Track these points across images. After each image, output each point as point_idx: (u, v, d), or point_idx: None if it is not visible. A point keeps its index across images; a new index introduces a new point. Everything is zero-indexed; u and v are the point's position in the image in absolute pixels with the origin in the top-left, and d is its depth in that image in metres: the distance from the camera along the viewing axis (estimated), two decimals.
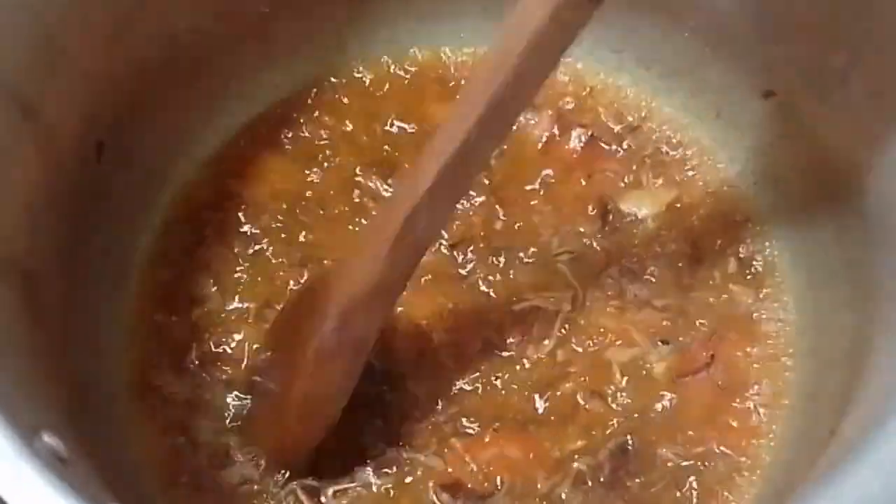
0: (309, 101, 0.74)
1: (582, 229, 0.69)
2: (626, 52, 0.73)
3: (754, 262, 0.68)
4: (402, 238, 0.50)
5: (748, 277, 0.68)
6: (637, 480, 0.61)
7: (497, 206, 0.70)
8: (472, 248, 0.68)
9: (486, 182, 0.70)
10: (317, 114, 0.74)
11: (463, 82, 0.73)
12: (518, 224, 0.69)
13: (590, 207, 0.70)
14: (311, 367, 0.55)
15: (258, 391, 0.62)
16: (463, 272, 0.67)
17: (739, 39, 0.66)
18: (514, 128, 0.68)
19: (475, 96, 0.47)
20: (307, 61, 0.74)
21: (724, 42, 0.68)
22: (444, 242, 0.68)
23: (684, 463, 0.62)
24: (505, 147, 0.71)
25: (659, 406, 0.63)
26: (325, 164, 0.72)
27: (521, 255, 0.68)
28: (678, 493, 0.61)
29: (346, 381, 0.56)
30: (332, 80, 0.75)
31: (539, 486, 0.61)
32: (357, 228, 0.69)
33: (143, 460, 0.62)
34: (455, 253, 0.68)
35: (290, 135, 0.73)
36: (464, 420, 0.63)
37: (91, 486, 0.46)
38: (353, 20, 0.74)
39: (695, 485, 0.61)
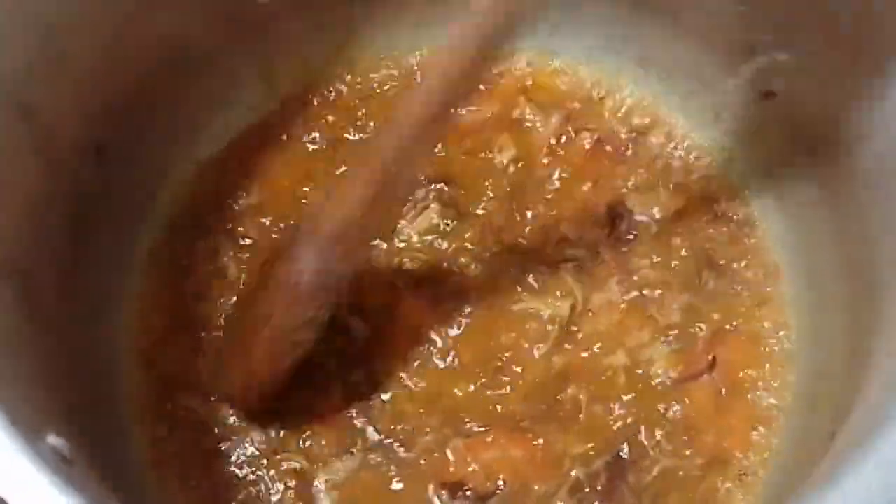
0: (308, 103, 0.74)
1: (590, 235, 0.69)
2: (626, 54, 0.73)
3: (755, 265, 0.68)
4: (375, 180, 0.54)
5: (749, 280, 0.68)
6: (635, 488, 0.61)
7: (503, 211, 0.70)
8: (475, 250, 0.68)
9: (492, 187, 0.71)
10: (316, 115, 0.74)
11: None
12: (523, 228, 0.69)
13: (598, 212, 0.70)
14: (284, 301, 0.58)
15: (229, 331, 0.65)
16: (466, 275, 0.67)
17: (738, 41, 0.66)
18: (522, 131, 0.72)
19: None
20: (307, 63, 0.74)
21: (723, 44, 0.68)
22: (446, 245, 0.68)
23: (684, 469, 0.62)
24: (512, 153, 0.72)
25: (660, 411, 0.63)
26: (325, 165, 0.72)
27: (526, 259, 0.68)
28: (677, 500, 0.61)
29: (318, 314, 0.59)
30: (331, 81, 0.75)
31: (536, 487, 0.61)
32: None
33: (146, 460, 0.62)
34: (458, 256, 0.68)
35: (289, 135, 0.73)
36: (464, 422, 0.63)
37: (95, 486, 0.46)
38: (353, 23, 0.74)
39: (694, 491, 0.61)
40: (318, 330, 0.60)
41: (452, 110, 0.54)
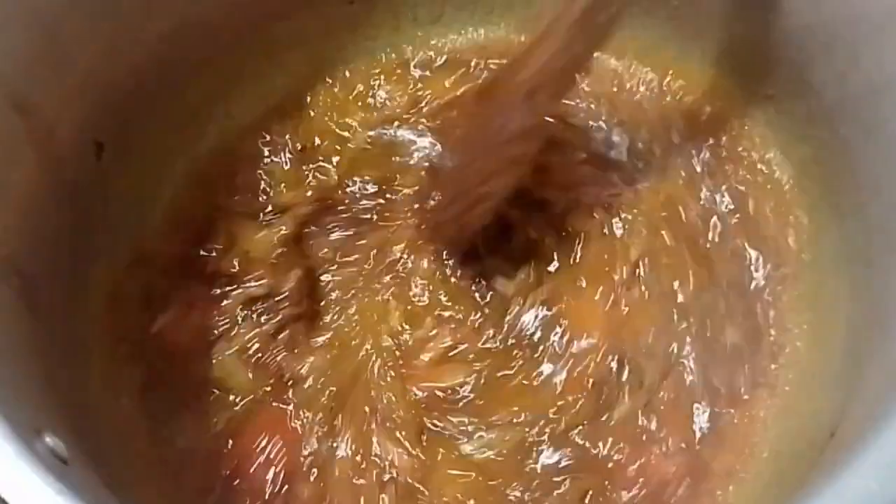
0: (308, 102, 0.74)
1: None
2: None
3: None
4: (583, 22, 0.55)
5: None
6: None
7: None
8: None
9: None
10: (316, 114, 0.74)
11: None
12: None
13: None
14: (497, 147, 0.60)
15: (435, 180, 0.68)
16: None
17: (735, 40, 0.66)
18: None
19: None
20: (307, 61, 0.74)
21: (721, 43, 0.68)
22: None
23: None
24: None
25: None
26: (324, 164, 0.72)
27: None
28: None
29: (524, 161, 0.61)
30: (331, 81, 0.75)
31: None
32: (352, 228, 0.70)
33: (144, 460, 0.61)
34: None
35: (289, 135, 0.73)
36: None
37: (92, 486, 0.46)
38: (354, 22, 0.74)
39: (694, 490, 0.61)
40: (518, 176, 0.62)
41: None
